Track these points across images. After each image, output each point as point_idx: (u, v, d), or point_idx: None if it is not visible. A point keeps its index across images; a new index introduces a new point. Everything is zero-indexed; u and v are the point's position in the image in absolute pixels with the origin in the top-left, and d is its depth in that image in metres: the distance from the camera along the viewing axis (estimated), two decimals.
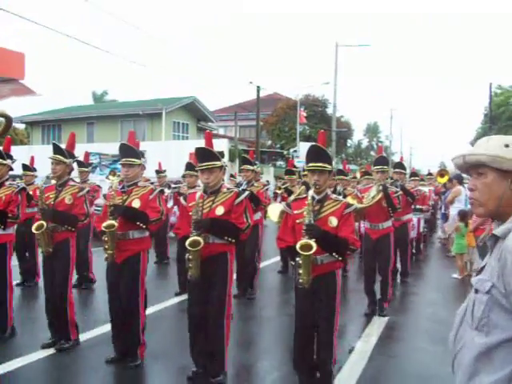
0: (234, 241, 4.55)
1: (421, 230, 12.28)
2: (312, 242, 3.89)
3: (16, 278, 8.73)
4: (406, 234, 9.39)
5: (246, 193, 4.77)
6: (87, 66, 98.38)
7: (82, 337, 5.88)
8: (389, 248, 7.34)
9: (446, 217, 14.76)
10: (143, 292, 5.15)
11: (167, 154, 19.09)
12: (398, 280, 9.60)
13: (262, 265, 10.78)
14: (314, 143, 4.36)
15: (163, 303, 7.57)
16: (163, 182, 11.39)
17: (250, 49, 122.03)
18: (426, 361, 5.54)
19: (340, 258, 4.15)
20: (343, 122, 46.38)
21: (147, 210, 4.96)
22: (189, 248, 4.35)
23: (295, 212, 4.30)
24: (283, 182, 13.05)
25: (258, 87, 30.97)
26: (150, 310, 7.26)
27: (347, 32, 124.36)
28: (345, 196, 9.43)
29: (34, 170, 9.22)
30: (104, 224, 4.81)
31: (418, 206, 10.64)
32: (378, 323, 6.91)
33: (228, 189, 4.75)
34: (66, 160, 5.49)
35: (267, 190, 8.85)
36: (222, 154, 4.73)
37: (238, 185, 8.46)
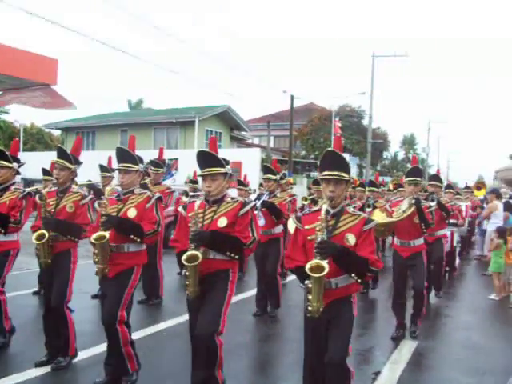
0: (237, 257, 4.08)
1: (454, 243, 11.58)
2: (324, 264, 3.38)
3: (34, 285, 8.43)
4: (440, 250, 8.86)
5: (252, 203, 4.32)
6: (124, 75, 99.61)
7: (85, 353, 5.49)
8: (421, 265, 6.71)
9: (485, 233, 14.04)
10: (125, 308, 4.63)
11: None
12: (431, 299, 9.02)
13: (288, 279, 10.30)
14: (329, 149, 3.82)
15: (178, 318, 7.11)
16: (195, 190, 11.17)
17: (286, 59, 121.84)
18: None
19: (359, 281, 3.62)
20: (379, 133, 45.47)
21: (143, 221, 4.56)
22: (185, 263, 3.91)
23: (306, 227, 3.76)
24: (310, 193, 12.58)
25: (292, 96, 30.47)
26: (162, 326, 6.89)
27: (384, 43, 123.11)
28: (374, 208, 8.91)
29: None
30: (94, 236, 4.39)
31: (451, 221, 10.02)
32: (407, 348, 6.32)
33: (232, 198, 4.30)
34: (70, 166, 5.13)
35: (291, 201, 8.32)
36: (227, 161, 4.29)
37: (259, 196, 7.96)
